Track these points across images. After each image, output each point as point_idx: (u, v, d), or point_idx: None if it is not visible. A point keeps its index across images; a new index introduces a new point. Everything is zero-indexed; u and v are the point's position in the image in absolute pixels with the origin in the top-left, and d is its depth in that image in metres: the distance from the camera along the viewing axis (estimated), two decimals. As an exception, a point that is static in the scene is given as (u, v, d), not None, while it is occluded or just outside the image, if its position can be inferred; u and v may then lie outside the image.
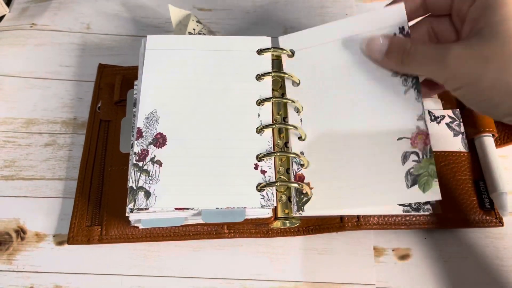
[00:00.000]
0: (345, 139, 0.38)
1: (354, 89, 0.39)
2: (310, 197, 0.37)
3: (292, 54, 0.42)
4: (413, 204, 0.37)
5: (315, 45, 0.41)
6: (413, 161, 0.35)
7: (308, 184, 0.37)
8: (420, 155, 0.35)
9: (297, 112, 0.40)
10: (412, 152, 0.35)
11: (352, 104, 0.38)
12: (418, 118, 0.36)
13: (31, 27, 0.54)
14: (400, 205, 0.37)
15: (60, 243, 0.41)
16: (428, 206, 0.37)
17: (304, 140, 0.39)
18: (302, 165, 0.38)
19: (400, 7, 0.38)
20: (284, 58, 0.42)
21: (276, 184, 0.37)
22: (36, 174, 0.44)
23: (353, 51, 0.39)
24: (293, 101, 0.40)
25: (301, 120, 0.40)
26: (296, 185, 0.37)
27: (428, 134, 0.35)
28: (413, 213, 0.37)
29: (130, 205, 0.35)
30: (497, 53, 0.30)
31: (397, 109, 0.37)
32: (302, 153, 0.39)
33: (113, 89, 0.46)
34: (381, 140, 0.37)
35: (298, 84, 0.41)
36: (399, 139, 0.36)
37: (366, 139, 0.37)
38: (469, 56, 0.31)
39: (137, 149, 0.37)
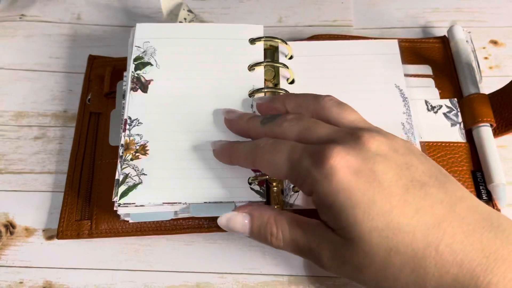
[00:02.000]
0: None
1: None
2: (300, 191, 0.36)
3: (291, 58, 0.43)
4: None
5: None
6: None
7: None
8: None
9: None
10: None
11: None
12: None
13: (20, 18, 0.53)
14: None
15: (50, 237, 0.40)
16: None
17: None
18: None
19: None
20: (282, 59, 0.42)
21: (267, 176, 0.36)
22: (25, 168, 0.43)
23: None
24: (287, 92, 0.39)
25: None
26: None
27: None
28: None
29: (116, 198, 0.34)
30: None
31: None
32: None
33: (103, 80, 0.45)
34: None
35: (292, 83, 0.41)
36: None
37: None
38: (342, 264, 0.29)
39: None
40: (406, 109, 0.40)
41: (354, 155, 0.28)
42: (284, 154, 0.30)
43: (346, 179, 0.27)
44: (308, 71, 0.42)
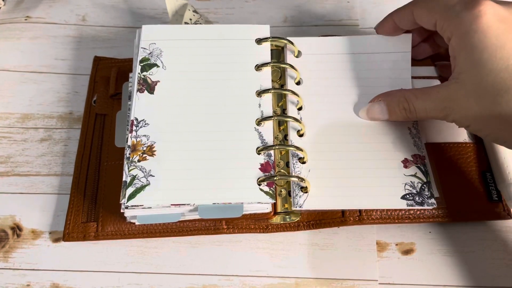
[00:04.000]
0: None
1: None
2: (309, 192, 0.36)
3: (298, 55, 0.42)
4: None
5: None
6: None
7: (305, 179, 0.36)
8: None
9: (297, 108, 0.39)
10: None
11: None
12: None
13: (26, 20, 0.53)
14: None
15: (56, 240, 0.40)
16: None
17: (302, 135, 0.38)
18: (300, 160, 0.37)
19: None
20: (290, 57, 0.42)
21: (275, 178, 0.36)
22: (31, 170, 0.43)
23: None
24: (294, 93, 0.39)
25: (300, 119, 0.39)
26: (296, 179, 0.36)
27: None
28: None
29: (123, 201, 0.34)
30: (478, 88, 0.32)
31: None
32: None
33: (108, 82, 0.45)
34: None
35: (299, 84, 0.41)
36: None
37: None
38: (463, 95, 0.33)
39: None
40: None
41: (503, 7, 0.33)
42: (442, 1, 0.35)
43: (490, 23, 0.32)
44: (316, 71, 0.41)
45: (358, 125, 0.39)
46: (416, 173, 0.37)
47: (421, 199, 0.36)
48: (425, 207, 0.36)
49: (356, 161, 0.37)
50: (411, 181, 0.36)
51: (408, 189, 0.36)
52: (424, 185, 0.36)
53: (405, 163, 0.37)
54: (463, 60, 0.33)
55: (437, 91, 0.34)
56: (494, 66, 0.31)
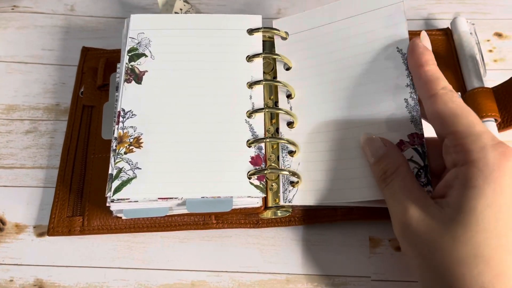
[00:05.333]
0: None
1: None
2: (299, 186, 0.35)
3: (286, 36, 0.40)
4: None
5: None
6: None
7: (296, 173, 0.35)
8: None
9: (288, 98, 0.38)
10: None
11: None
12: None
13: (12, 9, 0.51)
14: None
15: (40, 234, 0.39)
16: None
17: (293, 127, 0.37)
18: (291, 153, 0.36)
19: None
20: (277, 41, 0.40)
21: (266, 171, 0.35)
22: (16, 163, 0.42)
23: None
24: (285, 85, 0.38)
25: (290, 108, 0.38)
26: (287, 173, 0.35)
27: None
28: None
29: (109, 194, 0.33)
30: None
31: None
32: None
33: (96, 73, 0.44)
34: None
35: (289, 69, 0.39)
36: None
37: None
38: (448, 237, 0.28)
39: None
40: (410, 81, 0.34)
41: None
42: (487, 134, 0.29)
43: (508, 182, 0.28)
44: (305, 50, 0.39)
45: (352, 121, 0.35)
46: (412, 156, 0.33)
47: None
48: None
49: (347, 151, 0.35)
50: None
51: None
52: (421, 170, 0.32)
53: (400, 145, 0.33)
54: (468, 201, 0.28)
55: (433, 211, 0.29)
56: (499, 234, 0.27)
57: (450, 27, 0.46)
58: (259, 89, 0.38)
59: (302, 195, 0.35)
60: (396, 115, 0.34)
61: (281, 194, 0.36)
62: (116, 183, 0.34)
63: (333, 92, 0.37)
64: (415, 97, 0.34)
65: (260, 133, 0.36)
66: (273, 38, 0.41)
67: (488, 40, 0.47)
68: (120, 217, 0.37)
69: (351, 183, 0.34)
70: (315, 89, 0.38)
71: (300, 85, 0.38)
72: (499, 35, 0.48)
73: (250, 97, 0.37)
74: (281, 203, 0.35)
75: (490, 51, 0.47)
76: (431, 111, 0.31)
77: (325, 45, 0.38)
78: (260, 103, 0.37)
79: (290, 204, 0.35)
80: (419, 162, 0.32)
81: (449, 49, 0.45)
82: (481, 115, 0.39)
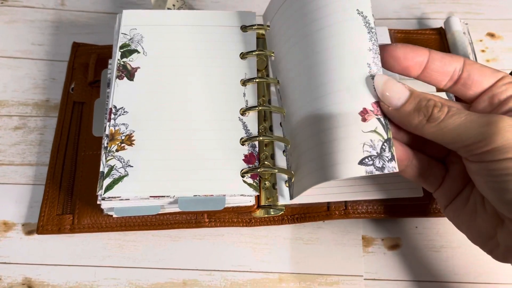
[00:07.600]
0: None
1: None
2: (294, 179, 0.35)
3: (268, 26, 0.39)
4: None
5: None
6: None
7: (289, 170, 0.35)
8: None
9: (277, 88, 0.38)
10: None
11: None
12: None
13: (1, 3, 0.50)
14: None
15: (29, 232, 0.38)
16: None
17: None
18: (284, 152, 0.36)
19: None
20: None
21: (259, 170, 0.34)
22: (4, 160, 0.41)
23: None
24: (278, 82, 0.38)
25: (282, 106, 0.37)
26: (280, 172, 0.35)
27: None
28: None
29: (100, 192, 0.33)
30: None
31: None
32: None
33: (87, 69, 0.43)
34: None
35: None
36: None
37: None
38: None
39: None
40: (373, 45, 0.31)
41: None
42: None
43: None
44: (284, 36, 0.36)
45: (310, 78, 0.32)
46: (376, 127, 0.29)
47: (381, 163, 0.28)
48: (386, 172, 0.28)
49: (322, 132, 0.31)
50: (370, 140, 0.29)
51: (367, 151, 0.29)
52: (385, 144, 0.29)
53: (364, 114, 0.29)
54: None
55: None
56: None
57: (443, 26, 0.46)
58: (252, 86, 0.38)
59: (298, 186, 0.33)
60: (358, 80, 0.30)
61: (279, 195, 0.35)
62: (107, 181, 0.33)
63: (304, 74, 0.33)
64: (378, 63, 0.30)
65: (254, 130, 0.36)
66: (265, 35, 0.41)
67: (480, 40, 0.47)
68: (111, 215, 0.36)
69: (342, 155, 0.30)
70: (292, 78, 0.35)
71: (283, 74, 0.37)
72: (491, 35, 0.48)
73: (244, 95, 0.37)
74: (281, 202, 0.35)
75: (483, 51, 0.47)
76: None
77: (303, 24, 0.34)
78: (253, 101, 0.37)
79: (285, 203, 0.35)
80: (382, 134, 0.29)
81: (442, 48, 0.45)
82: (474, 114, 0.39)
